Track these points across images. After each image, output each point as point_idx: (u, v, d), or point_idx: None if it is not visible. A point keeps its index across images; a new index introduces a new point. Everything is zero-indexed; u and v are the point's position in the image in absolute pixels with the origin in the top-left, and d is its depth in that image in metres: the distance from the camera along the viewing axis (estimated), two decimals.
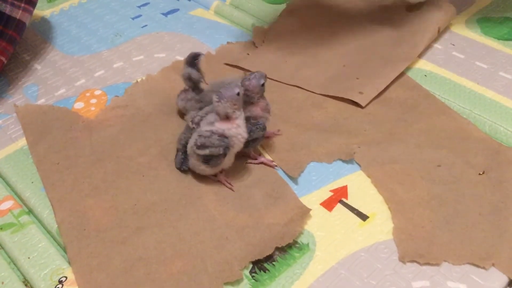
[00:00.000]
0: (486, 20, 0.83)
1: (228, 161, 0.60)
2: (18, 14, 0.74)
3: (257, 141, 0.62)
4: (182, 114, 0.70)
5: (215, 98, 0.57)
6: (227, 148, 0.58)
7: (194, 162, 0.60)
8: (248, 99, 0.61)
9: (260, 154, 0.64)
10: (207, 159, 0.59)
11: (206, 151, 0.58)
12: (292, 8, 0.88)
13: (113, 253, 0.54)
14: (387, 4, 0.88)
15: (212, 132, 0.58)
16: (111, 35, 0.87)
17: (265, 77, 0.61)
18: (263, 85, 0.61)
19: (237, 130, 0.58)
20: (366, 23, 0.85)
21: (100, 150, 0.65)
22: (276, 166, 0.63)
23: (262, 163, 0.63)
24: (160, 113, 0.71)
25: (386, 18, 0.84)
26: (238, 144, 0.59)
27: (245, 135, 0.59)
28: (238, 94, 0.57)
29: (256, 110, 0.62)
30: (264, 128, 0.61)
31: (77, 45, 0.85)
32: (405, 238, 0.55)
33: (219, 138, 0.58)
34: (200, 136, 0.59)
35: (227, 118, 0.58)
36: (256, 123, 0.61)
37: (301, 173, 0.62)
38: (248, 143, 0.61)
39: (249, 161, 0.64)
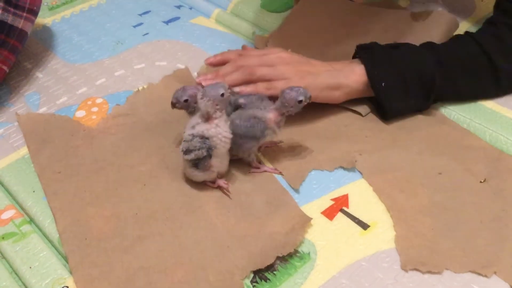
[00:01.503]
0: None
1: (219, 163, 0.60)
2: (20, 23, 0.74)
3: (251, 141, 0.61)
4: (183, 122, 0.70)
5: (199, 94, 0.58)
6: (210, 149, 0.58)
7: (188, 170, 0.61)
8: (283, 107, 0.61)
9: (260, 162, 0.64)
10: (195, 163, 0.59)
11: (192, 155, 0.58)
12: (295, 15, 0.89)
13: (114, 262, 0.54)
14: (393, 12, 0.88)
15: (193, 135, 0.59)
16: (112, 43, 0.87)
17: (308, 98, 0.61)
18: (300, 102, 0.60)
19: (216, 130, 0.58)
20: (370, 31, 0.85)
21: (101, 158, 0.66)
22: (280, 172, 0.63)
23: (265, 171, 0.64)
24: (161, 122, 0.71)
25: (391, 26, 0.84)
26: (221, 144, 0.59)
27: (228, 134, 0.59)
28: (222, 95, 0.57)
29: (270, 119, 0.61)
30: (262, 131, 0.61)
31: (79, 53, 0.86)
32: (407, 246, 0.55)
33: (200, 140, 0.58)
34: (184, 141, 0.59)
35: (208, 117, 0.58)
36: (258, 121, 0.61)
37: (302, 183, 0.63)
38: (242, 136, 0.60)
39: (252, 170, 0.64)
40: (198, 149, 0.58)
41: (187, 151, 0.59)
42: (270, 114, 0.61)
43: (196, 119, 0.60)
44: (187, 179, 0.62)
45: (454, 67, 0.68)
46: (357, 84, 0.68)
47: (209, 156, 0.58)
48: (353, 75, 0.68)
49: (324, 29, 0.86)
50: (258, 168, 0.64)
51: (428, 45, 0.70)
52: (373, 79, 0.67)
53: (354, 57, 0.71)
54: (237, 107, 0.64)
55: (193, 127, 0.59)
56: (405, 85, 0.67)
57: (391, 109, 0.69)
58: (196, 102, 0.63)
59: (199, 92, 0.58)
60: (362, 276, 0.53)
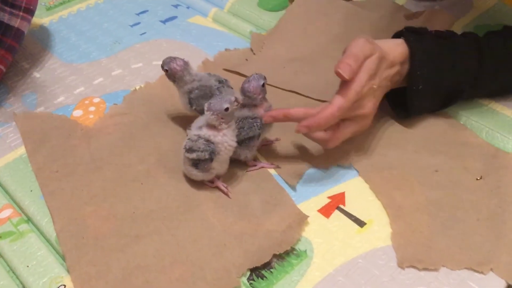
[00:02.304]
0: (482, 28, 0.84)
1: (220, 167, 0.60)
2: (16, 22, 0.75)
3: (253, 140, 0.62)
4: (180, 121, 0.70)
5: (205, 106, 0.58)
6: (212, 153, 0.58)
7: (187, 168, 0.61)
8: (250, 101, 0.61)
9: (255, 159, 0.64)
10: (195, 163, 0.59)
11: (194, 155, 0.58)
12: (290, 15, 0.89)
13: (112, 261, 0.54)
14: (386, 12, 0.88)
15: (199, 137, 0.59)
16: (110, 43, 0.87)
17: (264, 78, 0.61)
18: (263, 85, 0.61)
19: (223, 138, 0.59)
20: (364, 30, 0.85)
21: (98, 158, 0.66)
22: (277, 166, 0.63)
23: (262, 167, 0.64)
24: (158, 121, 0.71)
25: (385, 26, 0.84)
26: (225, 152, 0.59)
27: (233, 143, 0.59)
28: (226, 109, 0.57)
29: (260, 112, 0.62)
30: (261, 127, 0.61)
31: (76, 53, 0.86)
32: (404, 243, 0.56)
33: (205, 143, 0.58)
34: (188, 139, 0.59)
35: (214, 127, 0.59)
36: (255, 121, 0.61)
37: (299, 181, 0.63)
38: (244, 141, 0.61)
39: (250, 169, 0.64)
40: (201, 151, 0.58)
41: (189, 150, 0.59)
42: (258, 109, 0.62)
43: (203, 120, 0.60)
44: (185, 178, 0.63)
45: (494, 68, 0.66)
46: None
47: (211, 159, 0.58)
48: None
49: (319, 28, 0.86)
50: (255, 165, 0.64)
51: (473, 44, 0.66)
52: (412, 80, 0.64)
53: (395, 36, 0.66)
54: None
55: (200, 127, 0.59)
56: (438, 91, 0.66)
57: (413, 111, 0.67)
58: (175, 76, 0.66)
59: (206, 105, 0.58)
60: (359, 273, 0.53)
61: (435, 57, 0.64)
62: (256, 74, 0.62)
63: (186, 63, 0.66)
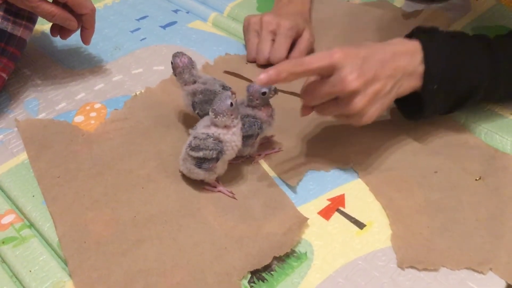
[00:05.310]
0: (481, 29, 0.84)
1: (221, 168, 0.61)
2: (19, 32, 0.75)
3: (251, 138, 0.63)
4: (181, 125, 0.71)
5: (211, 115, 0.58)
6: (220, 152, 0.59)
7: (189, 166, 0.61)
8: (250, 102, 0.63)
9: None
10: (199, 162, 0.59)
11: (200, 154, 0.59)
12: None
13: (113, 265, 0.55)
14: (386, 12, 0.89)
15: (208, 135, 0.59)
16: (110, 49, 0.88)
17: (271, 89, 0.62)
18: (264, 94, 0.62)
19: (231, 137, 0.59)
20: (364, 32, 0.85)
21: (100, 163, 0.66)
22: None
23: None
24: (159, 126, 0.71)
25: (384, 26, 0.85)
26: (230, 152, 0.60)
27: (239, 144, 0.60)
28: (231, 104, 0.58)
29: (262, 115, 0.63)
30: (260, 127, 0.62)
31: (77, 59, 0.86)
32: (404, 244, 0.56)
33: (214, 142, 0.58)
34: (195, 138, 0.60)
35: (225, 127, 0.59)
36: (255, 121, 0.62)
37: (300, 182, 0.63)
38: (242, 138, 0.61)
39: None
40: (210, 150, 0.58)
41: (196, 148, 0.59)
42: (261, 112, 0.63)
43: (210, 119, 0.60)
44: (185, 181, 0.63)
45: (508, 67, 0.63)
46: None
47: (217, 159, 0.59)
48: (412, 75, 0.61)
49: (318, 30, 0.86)
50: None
51: (486, 45, 0.64)
52: (427, 79, 0.61)
53: (408, 36, 0.64)
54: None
55: (208, 126, 0.60)
56: (454, 91, 0.63)
57: (428, 113, 0.64)
58: (175, 71, 0.66)
59: (211, 112, 0.58)
60: (359, 275, 0.54)
61: (449, 56, 0.62)
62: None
63: (190, 62, 0.66)
